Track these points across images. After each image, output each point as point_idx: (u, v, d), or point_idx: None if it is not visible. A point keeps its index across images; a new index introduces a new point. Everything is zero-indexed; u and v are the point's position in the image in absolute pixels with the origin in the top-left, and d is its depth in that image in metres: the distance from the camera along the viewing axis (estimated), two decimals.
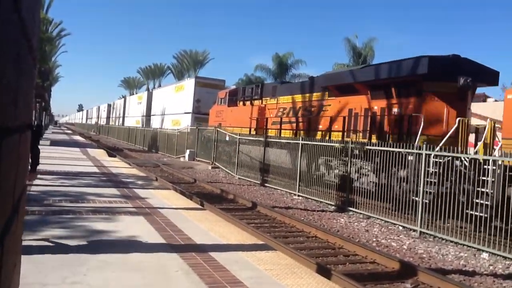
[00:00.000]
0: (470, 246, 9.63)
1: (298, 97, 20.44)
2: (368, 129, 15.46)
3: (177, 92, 41.55)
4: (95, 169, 15.32)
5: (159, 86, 73.51)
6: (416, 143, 12.34)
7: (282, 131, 20.66)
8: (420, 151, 11.57)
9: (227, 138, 24.76)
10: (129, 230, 6.44)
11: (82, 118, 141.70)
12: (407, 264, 8.08)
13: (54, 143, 29.96)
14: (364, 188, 13.68)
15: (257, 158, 20.42)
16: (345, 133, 16.48)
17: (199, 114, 35.16)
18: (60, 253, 5.08)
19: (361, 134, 15.86)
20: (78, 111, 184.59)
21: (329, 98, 17.99)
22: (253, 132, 22.78)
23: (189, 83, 38.62)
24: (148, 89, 75.91)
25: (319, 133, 18.05)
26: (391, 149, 12.50)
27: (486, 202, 9.97)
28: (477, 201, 10.17)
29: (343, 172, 14.69)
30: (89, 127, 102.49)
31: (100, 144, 43.70)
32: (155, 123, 47.26)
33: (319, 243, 9.79)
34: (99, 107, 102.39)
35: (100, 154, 24.27)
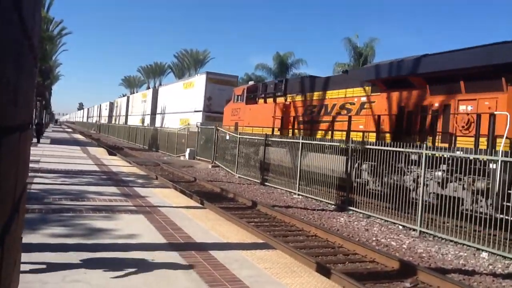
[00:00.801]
0: (469, 246, 9.63)
1: (332, 93, 17.93)
2: (426, 130, 13.09)
3: (186, 89, 39.23)
4: (96, 168, 15.33)
5: (160, 85, 72.71)
6: (501, 148, 10.22)
7: (312, 131, 18.54)
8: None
9: (227, 137, 24.75)
10: (129, 229, 6.44)
11: (83, 117, 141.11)
12: (407, 264, 8.08)
13: (54, 141, 29.98)
14: (370, 189, 13.54)
15: (285, 161, 17.98)
16: (395, 135, 13.95)
17: (210, 112, 33.25)
18: (60, 251, 5.08)
19: (417, 137, 13.33)
20: (79, 109, 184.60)
21: (373, 94, 15.56)
22: (276, 133, 20.91)
23: (199, 80, 36.01)
24: (149, 88, 75.78)
25: (359, 134, 15.65)
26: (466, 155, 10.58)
27: None
28: None
29: (397, 180, 12.26)
30: (90, 126, 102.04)
31: (100, 142, 43.72)
32: (161, 122, 45.16)
33: (318, 242, 9.79)
34: (100, 105, 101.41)
35: (100, 152, 24.28)
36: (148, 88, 75.99)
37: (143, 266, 4.79)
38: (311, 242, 9.76)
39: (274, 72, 50.32)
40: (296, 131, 19.86)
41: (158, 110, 48.10)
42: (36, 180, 10.57)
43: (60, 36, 46.70)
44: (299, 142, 16.94)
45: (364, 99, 16.02)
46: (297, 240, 9.81)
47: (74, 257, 4.92)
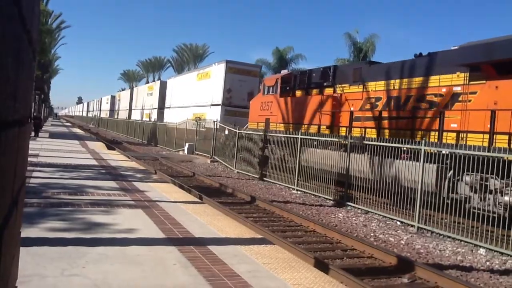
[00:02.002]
0: (467, 242, 9.66)
1: (406, 82, 14.43)
2: None
3: (201, 80, 34.87)
4: (94, 162, 15.32)
5: (159, 79, 72.13)
6: None
7: (380, 129, 15.03)
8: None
9: (226, 132, 24.73)
10: (128, 223, 6.45)
11: (82, 111, 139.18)
12: (405, 259, 8.11)
13: (53, 135, 29.95)
14: (362, 185, 13.61)
15: (333, 167, 14.95)
16: None
17: (230, 106, 29.65)
18: (59, 245, 5.09)
19: None
20: (78, 103, 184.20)
21: (473, 83, 12.10)
22: (324, 131, 17.32)
23: (217, 69, 31.39)
24: (148, 82, 75.44)
25: (450, 134, 12.37)
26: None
27: None
28: None
29: None
30: (89, 120, 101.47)
31: (99, 136, 43.71)
32: (170, 116, 40.40)
33: (317, 238, 9.82)
34: (101, 99, 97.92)
35: (99, 147, 24.27)
36: (147, 82, 75.59)
37: (142, 261, 4.80)
38: (309, 238, 9.79)
39: (273, 67, 50.32)
40: (355, 129, 16.01)
41: (167, 104, 43.69)
42: (34, 174, 10.57)
43: (59, 29, 46.55)
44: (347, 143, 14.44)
45: (458, 89, 12.57)
46: (295, 236, 9.83)
47: (72, 251, 4.93)
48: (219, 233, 6.32)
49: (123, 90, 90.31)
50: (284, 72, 24.06)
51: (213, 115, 29.89)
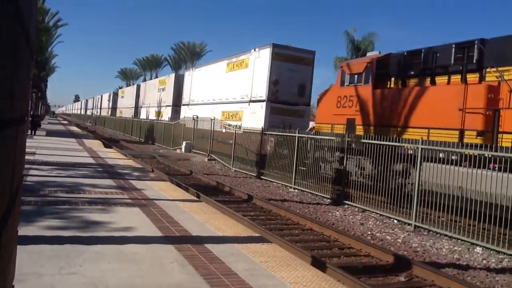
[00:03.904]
0: (464, 240, 9.69)
1: None
2: None
3: (233, 71, 27.89)
4: (91, 160, 15.30)
5: (156, 77, 71.27)
6: None
7: None
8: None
9: (224, 130, 24.71)
10: (125, 222, 6.44)
11: (80, 109, 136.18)
12: (402, 258, 8.13)
13: (50, 133, 29.88)
14: (360, 182, 13.66)
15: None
16: None
17: (277, 102, 23.17)
18: (56, 243, 5.08)
19: None
20: (75, 101, 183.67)
21: None
22: (475, 140, 11.41)
23: (258, 56, 24.55)
24: (145, 80, 75.02)
25: None
26: None
27: None
28: None
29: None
30: (86, 118, 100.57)
31: (96, 135, 43.64)
32: (189, 115, 32.57)
33: (314, 236, 9.83)
34: (101, 96, 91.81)
35: (96, 145, 24.22)
36: (145, 80, 75.12)
37: (139, 259, 4.79)
38: (306, 236, 9.80)
39: None
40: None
41: (185, 101, 36.65)
42: (31, 172, 10.55)
43: (56, 27, 46.47)
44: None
45: None
46: (292, 234, 9.84)
47: (69, 249, 4.92)
48: (216, 232, 6.33)
49: (120, 88, 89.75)
50: (374, 54, 17.35)
51: (252, 113, 24.20)
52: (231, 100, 27.25)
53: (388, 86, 15.90)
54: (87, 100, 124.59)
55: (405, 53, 14.97)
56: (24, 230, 5.28)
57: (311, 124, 23.10)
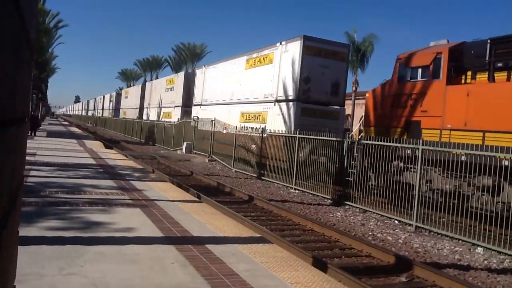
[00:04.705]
0: (465, 241, 9.68)
1: None
2: None
3: (254, 68, 24.86)
4: (92, 161, 15.30)
5: (157, 77, 70.84)
6: None
7: None
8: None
9: (224, 131, 24.70)
10: (126, 222, 6.44)
11: (81, 110, 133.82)
12: (403, 258, 8.12)
13: (51, 134, 29.90)
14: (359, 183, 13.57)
15: None
16: None
17: (309, 103, 20.32)
18: (56, 244, 5.08)
19: None
20: (75, 102, 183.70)
21: None
22: None
23: (286, 50, 21.62)
24: (145, 81, 74.96)
25: None
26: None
27: None
28: None
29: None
30: (87, 119, 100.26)
31: (97, 136, 43.66)
32: (202, 117, 30.00)
33: (315, 236, 9.82)
34: (103, 97, 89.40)
35: (96, 145, 24.23)
36: (145, 81, 75.01)
37: (140, 260, 4.79)
38: (307, 236, 9.79)
39: None
40: None
41: (196, 101, 33.59)
42: (32, 173, 10.55)
43: (56, 28, 46.57)
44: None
45: None
46: (293, 234, 9.83)
47: (70, 250, 4.92)
48: (217, 232, 6.32)
49: (121, 89, 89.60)
50: (441, 43, 14.46)
51: (278, 115, 21.43)
52: (252, 100, 24.37)
53: (464, 81, 13.30)
54: (88, 101, 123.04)
55: (489, 41, 12.22)
56: (25, 231, 5.28)
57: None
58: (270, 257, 5.31)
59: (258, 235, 6.90)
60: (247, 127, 22.94)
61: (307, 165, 16.26)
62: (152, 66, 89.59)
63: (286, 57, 21.40)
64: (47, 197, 7.94)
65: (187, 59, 74.22)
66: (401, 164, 12.33)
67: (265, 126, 20.89)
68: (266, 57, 23.66)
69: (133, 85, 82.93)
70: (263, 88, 23.39)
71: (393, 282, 7.21)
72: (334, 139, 15.06)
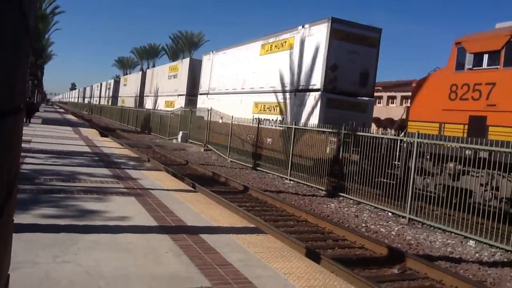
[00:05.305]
0: (457, 234, 9.77)
1: None
2: None
3: (270, 54, 22.73)
4: (87, 149, 15.27)
5: (153, 66, 70.29)
6: None
7: None
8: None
9: (220, 121, 24.69)
10: (121, 211, 6.45)
11: (78, 97, 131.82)
12: (395, 250, 8.19)
13: (46, 121, 29.78)
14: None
15: None
16: None
17: (335, 93, 18.34)
18: (51, 232, 5.09)
19: None
20: (71, 89, 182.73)
21: None
22: None
23: (310, 34, 19.45)
24: (142, 70, 74.50)
25: None
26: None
27: None
28: None
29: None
30: (83, 107, 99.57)
31: (92, 123, 43.52)
32: (207, 106, 28.15)
33: (309, 227, 9.88)
34: (100, 84, 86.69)
35: (92, 133, 24.16)
36: (142, 69, 74.51)
37: (134, 249, 4.81)
38: (301, 227, 9.85)
39: None
40: None
41: (203, 89, 31.32)
42: (27, 160, 10.52)
43: (53, 14, 46.19)
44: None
45: None
46: (287, 225, 9.88)
47: (65, 238, 4.93)
48: (211, 222, 6.35)
49: (117, 76, 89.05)
50: (508, 24, 12.38)
51: (299, 106, 19.43)
52: (268, 90, 22.18)
53: None
54: (85, 88, 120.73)
55: None
56: (20, 219, 5.28)
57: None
58: (264, 247, 5.34)
59: (252, 226, 6.93)
60: (264, 119, 21.19)
61: (334, 163, 14.67)
62: (149, 55, 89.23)
63: (310, 42, 19.38)
64: (42, 184, 7.94)
65: (184, 47, 73.97)
66: (459, 167, 11.09)
67: (283, 118, 19.60)
68: (285, 41, 21.38)
69: (130, 73, 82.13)
70: (281, 76, 21.25)
71: (385, 273, 7.28)
72: (394, 137, 12.96)
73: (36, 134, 18.42)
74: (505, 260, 8.41)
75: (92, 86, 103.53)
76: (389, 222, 10.88)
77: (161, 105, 40.77)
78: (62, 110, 76.75)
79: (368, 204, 12.53)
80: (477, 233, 9.35)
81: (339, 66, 18.35)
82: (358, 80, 18.78)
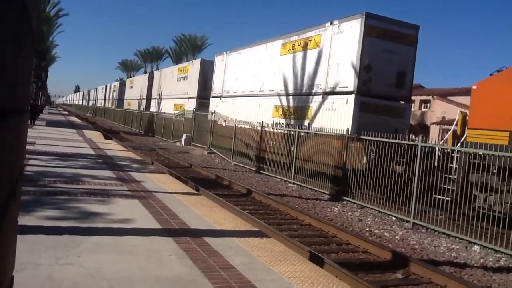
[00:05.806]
0: (462, 239, 9.71)
1: None
2: None
3: (291, 53, 20.86)
4: (91, 151, 15.28)
5: (157, 69, 70.27)
6: None
7: None
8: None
9: (224, 124, 24.68)
10: (124, 213, 6.44)
11: (82, 100, 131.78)
12: (399, 255, 8.15)
13: (50, 123, 29.86)
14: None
15: None
16: None
17: (369, 96, 16.49)
18: (54, 234, 5.08)
19: None
20: (75, 92, 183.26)
21: None
22: None
23: (340, 31, 17.66)
24: (146, 72, 74.64)
25: None
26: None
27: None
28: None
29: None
30: (86, 109, 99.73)
31: (96, 126, 43.62)
32: (222, 110, 26.42)
33: (312, 231, 9.85)
34: (105, 86, 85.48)
35: (96, 136, 24.20)
36: (145, 72, 74.58)
37: (137, 251, 4.80)
38: (305, 231, 9.82)
39: None
40: None
41: (216, 92, 29.24)
42: (31, 162, 10.54)
43: (57, 17, 46.40)
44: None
45: None
46: (291, 229, 9.85)
47: (68, 240, 4.92)
48: (215, 225, 6.33)
49: (121, 79, 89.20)
50: None
51: (329, 110, 17.58)
52: (291, 92, 20.45)
53: None
54: (89, 91, 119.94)
55: None
56: (23, 220, 5.28)
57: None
58: (267, 251, 5.31)
59: (256, 229, 6.91)
60: (286, 123, 19.92)
61: (371, 174, 13.20)
62: (152, 57, 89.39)
63: (340, 40, 17.60)
64: (45, 186, 7.94)
65: (188, 50, 74.10)
66: None
67: (309, 124, 18.23)
68: (311, 40, 19.47)
69: (133, 76, 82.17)
70: (306, 77, 19.41)
71: (389, 278, 7.24)
72: (459, 148, 11.48)
73: (40, 136, 18.46)
74: (510, 265, 8.35)
75: (96, 88, 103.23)
76: (393, 227, 10.83)
77: (170, 108, 38.93)
78: (66, 113, 76.92)
79: (372, 208, 12.48)
80: (482, 238, 9.29)
81: (374, 67, 16.66)
82: (394, 82, 17.09)
